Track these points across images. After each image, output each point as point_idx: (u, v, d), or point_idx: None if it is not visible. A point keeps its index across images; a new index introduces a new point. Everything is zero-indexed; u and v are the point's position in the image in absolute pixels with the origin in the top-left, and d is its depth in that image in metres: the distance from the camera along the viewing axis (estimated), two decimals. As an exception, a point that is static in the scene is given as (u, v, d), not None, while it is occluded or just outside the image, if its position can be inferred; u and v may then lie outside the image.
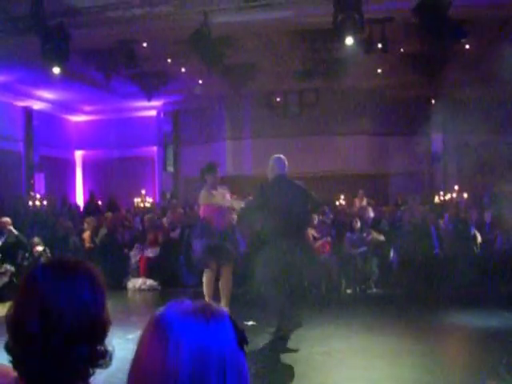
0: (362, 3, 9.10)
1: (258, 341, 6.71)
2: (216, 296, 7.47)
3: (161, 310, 1.13)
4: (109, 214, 12.66)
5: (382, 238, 10.71)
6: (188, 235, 11.63)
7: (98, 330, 1.37)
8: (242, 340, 1.12)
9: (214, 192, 7.47)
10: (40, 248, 10.40)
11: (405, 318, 7.94)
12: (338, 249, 10.61)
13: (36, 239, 10.70)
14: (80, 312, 1.33)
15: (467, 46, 11.69)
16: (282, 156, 6.92)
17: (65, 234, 12.07)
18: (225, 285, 7.57)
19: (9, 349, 1.34)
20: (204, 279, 7.59)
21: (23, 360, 1.32)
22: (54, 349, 1.30)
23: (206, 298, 7.34)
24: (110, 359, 1.38)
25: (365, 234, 10.72)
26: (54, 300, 1.32)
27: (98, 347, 1.36)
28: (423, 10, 8.88)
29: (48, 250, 10.66)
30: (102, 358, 1.36)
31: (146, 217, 12.61)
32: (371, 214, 12.23)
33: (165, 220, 12.76)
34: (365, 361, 6.01)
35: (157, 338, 1.08)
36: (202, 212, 7.68)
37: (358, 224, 10.86)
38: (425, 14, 8.96)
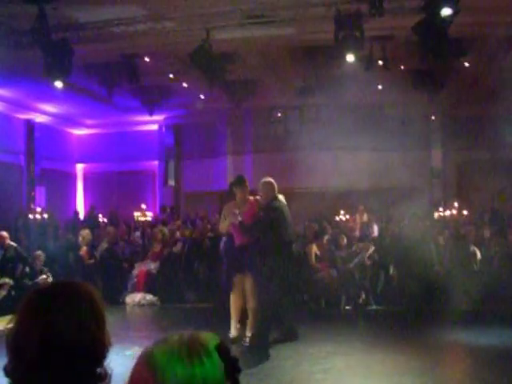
0: (362, 21, 9.19)
1: (257, 358, 6.68)
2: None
3: (148, 347, 1.16)
4: (110, 229, 12.58)
5: (371, 246, 10.66)
6: (189, 250, 11.64)
7: (98, 352, 1.37)
8: (232, 370, 1.14)
9: (229, 212, 7.48)
10: (44, 276, 10.27)
11: (404, 336, 7.91)
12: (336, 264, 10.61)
13: (39, 252, 10.65)
14: (80, 337, 1.33)
15: (467, 64, 11.77)
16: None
17: (65, 247, 12.05)
18: (249, 297, 7.48)
19: (7, 371, 1.34)
20: (231, 301, 7.60)
21: (22, 383, 1.31)
22: (54, 373, 1.30)
23: (233, 321, 7.51)
24: (109, 381, 1.38)
25: (358, 250, 10.70)
26: (54, 326, 1.32)
27: (98, 370, 1.36)
28: (423, 27, 8.95)
29: (46, 269, 10.57)
30: (101, 380, 1.36)
31: (157, 229, 12.45)
32: (376, 231, 12.23)
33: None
34: (364, 379, 5.99)
35: (144, 376, 1.12)
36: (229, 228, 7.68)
37: (345, 240, 10.86)
38: (425, 32, 9.03)
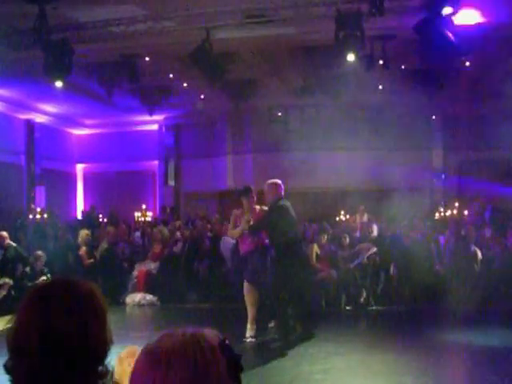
0: (363, 20, 9.16)
1: (257, 358, 6.67)
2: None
3: (153, 341, 1.15)
4: (110, 229, 12.56)
5: (373, 248, 10.63)
6: (189, 250, 11.64)
7: (99, 351, 1.36)
8: (235, 368, 1.14)
9: (237, 219, 7.74)
10: (44, 278, 10.21)
11: (404, 336, 7.89)
12: (337, 264, 10.60)
13: (40, 253, 10.63)
14: (81, 335, 1.32)
15: (467, 64, 11.75)
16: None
17: (65, 247, 12.04)
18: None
19: (8, 369, 1.33)
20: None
21: (23, 382, 1.31)
22: (55, 372, 1.29)
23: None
24: (111, 378, 1.38)
25: (357, 248, 10.70)
26: (55, 324, 1.31)
27: (100, 368, 1.35)
28: (424, 27, 8.93)
29: (46, 270, 10.53)
30: (102, 378, 1.36)
31: (157, 229, 12.45)
32: (375, 231, 12.18)
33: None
34: (364, 379, 5.98)
35: (146, 371, 1.12)
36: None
37: (347, 240, 10.85)
38: (426, 32, 9.01)
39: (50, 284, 1.45)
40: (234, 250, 8.39)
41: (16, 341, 1.32)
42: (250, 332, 7.48)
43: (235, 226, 7.75)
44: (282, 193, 7.68)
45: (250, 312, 7.53)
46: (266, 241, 7.70)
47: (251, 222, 7.46)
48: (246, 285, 7.54)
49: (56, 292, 1.38)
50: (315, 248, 10.51)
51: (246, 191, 7.78)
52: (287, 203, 7.65)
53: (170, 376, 1.08)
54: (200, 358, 1.10)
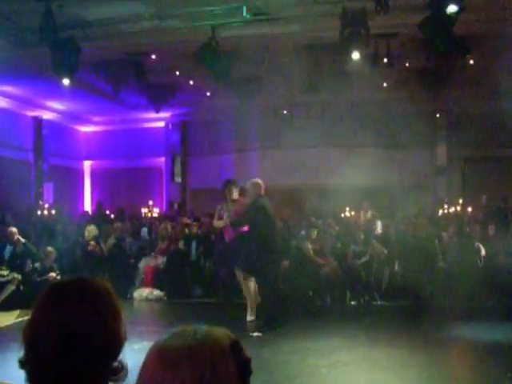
0: (368, 18, 9.21)
1: (263, 352, 6.75)
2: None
3: (163, 338, 1.16)
4: (117, 225, 12.68)
5: (384, 250, 10.73)
6: (194, 247, 11.75)
7: (114, 346, 1.38)
8: (244, 371, 1.13)
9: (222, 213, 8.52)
10: (53, 274, 10.32)
11: (409, 330, 7.97)
12: (342, 260, 10.66)
13: (50, 249, 10.74)
14: (98, 330, 1.35)
15: (471, 61, 11.77)
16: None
17: (73, 243, 12.15)
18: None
19: (24, 365, 1.35)
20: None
21: (39, 378, 1.33)
22: (72, 369, 1.32)
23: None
24: (126, 374, 1.40)
25: (370, 247, 10.77)
26: (75, 323, 1.34)
27: (114, 363, 1.38)
28: (429, 25, 8.97)
29: (55, 267, 10.64)
30: (116, 374, 1.38)
31: (162, 226, 12.57)
32: (379, 229, 12.22)
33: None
34: (370, 373, 6.05)
35: (156, 371, 1.12)
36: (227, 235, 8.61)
37: (362, 236, 10.93)
38: (430, 30, 9.05)
39: (67, 282, 1.47)
40: (219, 236, 9.28)
41: (34, 338, 1.34)
42: (249, 317, 8.06)
43: (219, 218, 8.60)
44: (262, 192, 8.06)
45: (249, 299, 8.11)
46: (245, 229, 8.23)
47: (228, 220, 8.28)
48: (240, 274, 8.14)
49: (74, 290, 1.40)
50: (308, 244, 10.56)
51: (231, 182, 8.59)
52: (266, 202, 8.01)
53: (179, 377, 1.08)
54: (209, 361, 1.09)
